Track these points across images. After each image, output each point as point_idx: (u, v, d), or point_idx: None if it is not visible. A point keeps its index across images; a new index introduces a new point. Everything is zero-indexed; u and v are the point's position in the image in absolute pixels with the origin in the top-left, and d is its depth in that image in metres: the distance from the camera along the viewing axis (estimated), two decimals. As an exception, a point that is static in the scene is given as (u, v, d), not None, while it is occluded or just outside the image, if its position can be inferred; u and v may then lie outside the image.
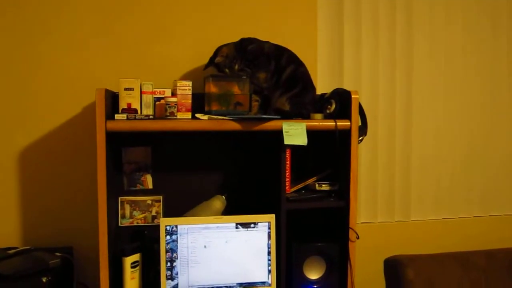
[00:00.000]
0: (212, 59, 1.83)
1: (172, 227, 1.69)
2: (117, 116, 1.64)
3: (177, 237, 1.69)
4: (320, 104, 1.90)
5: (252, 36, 1.89)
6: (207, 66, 1.85)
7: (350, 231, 1.80)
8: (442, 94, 2.31)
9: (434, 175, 2.33)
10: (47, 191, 1.90)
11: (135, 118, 1.64)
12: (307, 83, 1.89)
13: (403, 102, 2.26)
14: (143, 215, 1.89)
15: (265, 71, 1.83)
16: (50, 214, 1.91)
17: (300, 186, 1.86)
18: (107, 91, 1.61)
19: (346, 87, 2.12)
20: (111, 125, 1.59)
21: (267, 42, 1.87)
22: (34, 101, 1.88)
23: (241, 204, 1.94)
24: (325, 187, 1.86)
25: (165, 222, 1.69)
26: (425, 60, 2.27)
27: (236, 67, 1.80)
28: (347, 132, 1.78)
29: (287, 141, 1.69)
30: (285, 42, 1.92)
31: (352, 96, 1.77)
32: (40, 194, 1.90)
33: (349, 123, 1.77)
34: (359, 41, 2.17)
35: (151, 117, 1.68)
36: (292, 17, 2.09)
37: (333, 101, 1.84)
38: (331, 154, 1.91)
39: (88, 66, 1.91)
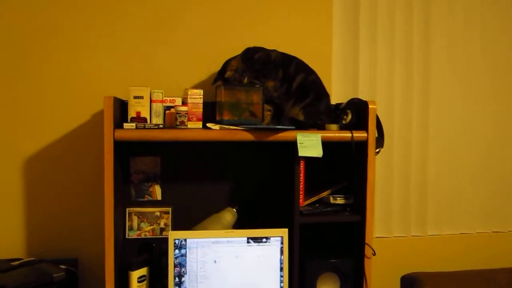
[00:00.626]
0: (221, 74, 1.79)
1: (181, 241, 1.64)
2: (125, 125, 1.60)
3: (186, 251, 1.64)
4: (335, 114, 1.84)
5: (266, 43, 1.84)
6: (216, 80, 1.80)
7: (366, 247, 1.73)
8: (460, 104, 2.24)
9: (451, 188, 2.26)
10: (53, 200, 1.87)
11: (144, 127, 1.61)
12: (319, 91, 1.83)
13: (419, 112, 2.19)
14: (151, 227, 1.84)
15: (273, 79, 1.79)
16: (56, 225, 1.87)
17: (314, 199, 1.80)
18: (115, 99, 1.58)
19: (361, 96, 2.06)
20: (119, 134, 1.56)
21: (274, 50, 1.83)
22: (41, 108, 1.85)
23: (252, 218, 1.89)
24: (340, 200, 1.81)
25: (174, 235, 1.64)
26: (443, 69, 2.21)
27: (245, 80, 1.76)
28: (363, 144, 1.73)
29: (302, 152, 1.64)
30: (299, 50, 1.88)
31: (369, 106, 1.71)
32: (46, 204, 1.86)
33: (365, 134, 1.72)
34: (375, 49, 2.12)
35: (160, 126, 1.64)
36: (307, 24, 2.04)
37: (349, 111, 1.79)
38: (346, 166, 1.85)
39: (97, 73, 1.88)
